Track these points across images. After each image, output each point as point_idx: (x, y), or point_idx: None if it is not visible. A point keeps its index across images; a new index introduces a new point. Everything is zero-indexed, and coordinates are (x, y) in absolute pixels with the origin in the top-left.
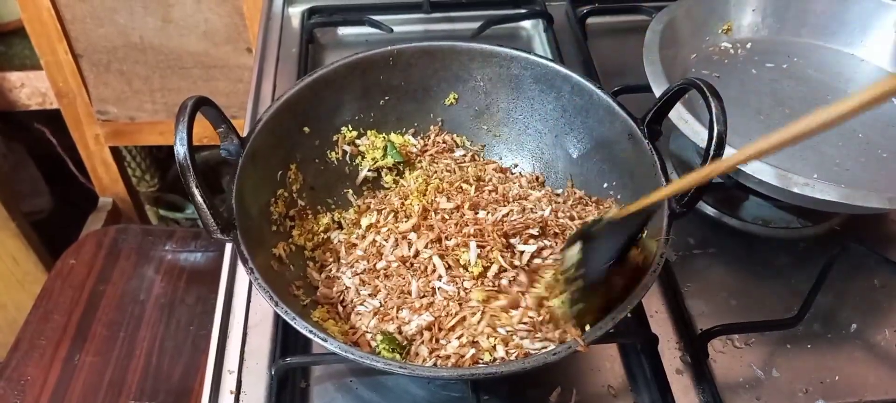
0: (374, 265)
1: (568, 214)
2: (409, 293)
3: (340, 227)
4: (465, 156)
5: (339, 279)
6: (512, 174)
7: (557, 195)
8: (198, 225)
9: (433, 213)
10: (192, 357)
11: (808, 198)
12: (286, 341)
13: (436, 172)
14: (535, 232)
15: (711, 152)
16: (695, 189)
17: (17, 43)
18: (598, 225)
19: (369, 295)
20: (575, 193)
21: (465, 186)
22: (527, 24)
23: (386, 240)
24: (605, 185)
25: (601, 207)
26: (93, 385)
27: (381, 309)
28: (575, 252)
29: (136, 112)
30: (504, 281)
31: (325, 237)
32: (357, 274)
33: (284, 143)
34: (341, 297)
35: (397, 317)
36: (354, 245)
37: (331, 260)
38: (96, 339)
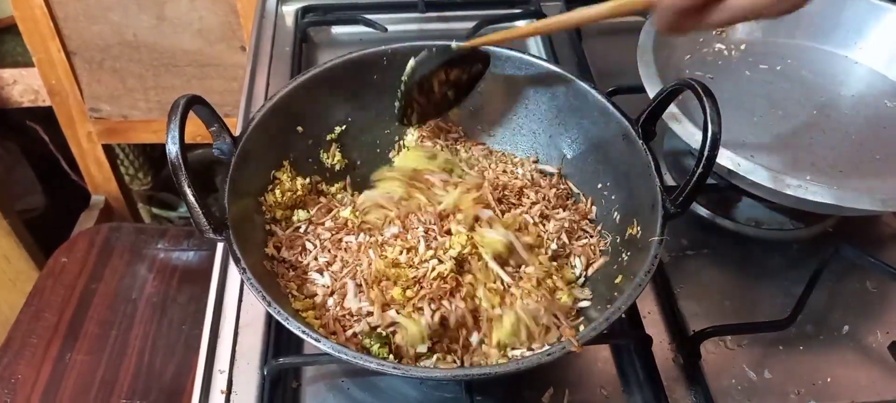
0: (340, 238)
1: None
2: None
3: (321, 194)
4: (463, 138)
5: (300, 238)
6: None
7: (543, 175)
8: (191, 223)
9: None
10: (184, 357)
11: (801, 199)
12: (278, 341)
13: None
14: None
15: (706, 153)
16: (690, 189)
17: (10, 40)
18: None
19: (326, 263)
20: (559, 186)
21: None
22: (521, 23)
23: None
24: (600, 186)
25: (578, 207)
26: (84, 384)
27: (332, 288)
28: (411, 63)
29: (130, 110)
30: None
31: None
32: (318, 237)
33: (277, 142)
34: (296, 258)
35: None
36: (331, 209)
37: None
38: (88, 338)
